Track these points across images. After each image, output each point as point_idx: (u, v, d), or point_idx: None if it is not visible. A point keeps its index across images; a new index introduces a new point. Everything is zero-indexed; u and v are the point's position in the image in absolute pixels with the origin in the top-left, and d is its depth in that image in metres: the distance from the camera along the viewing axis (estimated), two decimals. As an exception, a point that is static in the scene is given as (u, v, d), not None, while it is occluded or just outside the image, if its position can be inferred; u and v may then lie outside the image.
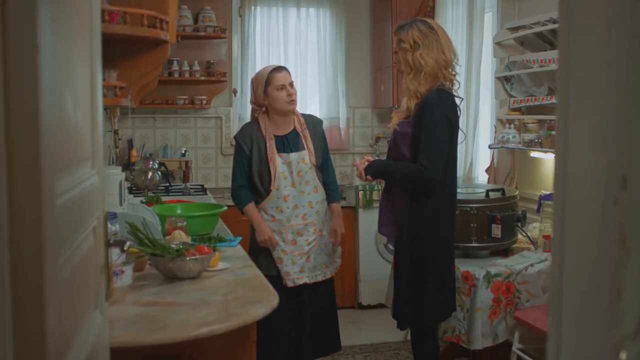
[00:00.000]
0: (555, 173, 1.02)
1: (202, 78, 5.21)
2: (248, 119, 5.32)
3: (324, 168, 3.41)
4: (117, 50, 2.61)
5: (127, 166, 2.85)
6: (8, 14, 0.99)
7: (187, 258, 2.39)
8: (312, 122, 3.41)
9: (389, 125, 2.93)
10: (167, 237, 2.74)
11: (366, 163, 3.00)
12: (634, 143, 0.84)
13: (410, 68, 2.83)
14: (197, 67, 5.22)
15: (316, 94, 5.63)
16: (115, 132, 4.65)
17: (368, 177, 3.00)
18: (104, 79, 2.33)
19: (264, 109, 3.34)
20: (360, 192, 5.05)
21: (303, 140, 3.33)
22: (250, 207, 3.31)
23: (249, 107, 5.32)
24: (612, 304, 0.88)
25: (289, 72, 3.34)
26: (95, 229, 1.57)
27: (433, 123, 2.76)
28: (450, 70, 2.86)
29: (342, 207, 3.56)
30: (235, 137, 3.44)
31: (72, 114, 1.36)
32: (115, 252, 2.17)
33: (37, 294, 1.04)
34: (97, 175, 1.60)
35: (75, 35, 1.41)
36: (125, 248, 1.65)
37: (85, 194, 1.42)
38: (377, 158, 3.04)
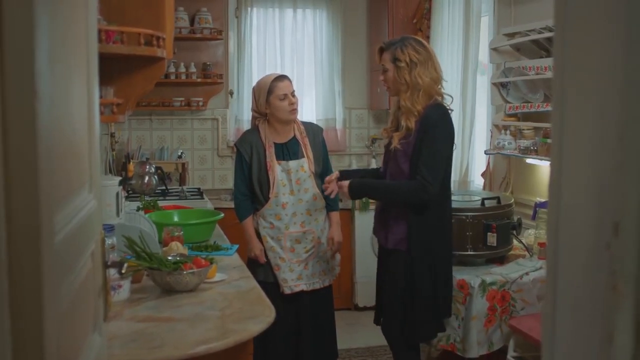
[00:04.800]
0: (548, 218, 1.03)
1: (199, 80, 5.21)
2: (244, 120, 5.38)
3: (323, 176, 3.43)
4: (113, 67, 2.61)
5: (124, 180, 2.86)
6: (6, 57, 0.99)
7: (185, 272, 2.40)
8: (313, 130, 3.44)
9: (391, 146, 2.91)
10: (164, 249, 2.75)
11: (335, 187, 3.02)
12: (627, 190, 0.86)
13: (407, 86, 2.85)
14: (193, 69, 5.21)
15: (312, 95, 5.63)
16: (112, 135, 4.65)
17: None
18: (100, 97, 2.33)
19: (265, 116, 3.35)
20: (357, 195, 5.06)
21: (303, 148, 3.35)
22: (247, 222, 3.35)
23: (246, 109, 5.38)
24: (604, 348, 0.89)
25: (290, 81, 3.36)
26: (94, 252, 1.57)
27: (437, 139, 2.80)
28: (440, 85, 2.93)
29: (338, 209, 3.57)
30: (235, 145, 3.46)
31: (69, 144, 1.36)
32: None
33: (36, 332, 1.05)
34: (94, 198, 1.60)
35: (72, 58, 1.41)
36: (123, 270, 1.66)
37: (83, 222, 1.43)
38: (344, 170, 3.10)
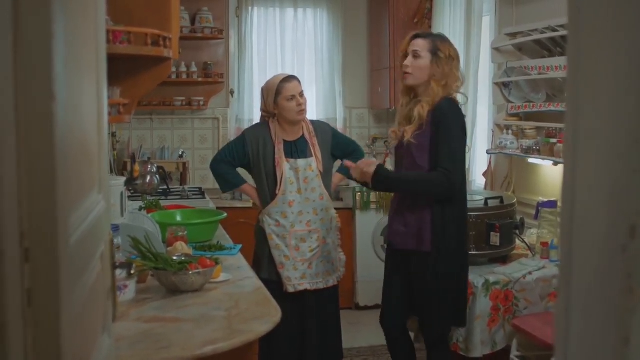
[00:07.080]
0: (562, 219, 1.03)
1: (200, 79, 5.21)
2: (245, 120, 5.39)
3: (350, 151, 3.49)
4: (120, 67, 2.61)
5: (129, 181, 2.86)
6: (24, 60, 0.99)
7: (190, 272, 2.40)
8: (321, 129, 3.45)
9: (404, 139, 2.86)
10: (168, 249, 2.75)
11: (372, 167, 2.88)
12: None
13: (442, 76, 2.87)
14: (194, 68, 5.21)
15: (313, 94, 5.63)
16: (113, 135, 4.65)
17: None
18: (108, 97, 2.33)
19: (274, 116, 3.36)
20: (358, 194, 5.07)
21: (311, 148, 3.36)
22: (248, 185, 3.46)
23: (247, 109, 5.39)
24: (619, 352, 0.89)
25: (299, 82, 3.37)
26: (103, 253, 1.58)
27: (451, 129, 2.80)
28: (459, 84, 2.96)
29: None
30: (244, 132, 3.50)
31: (81, 145, 1.36)
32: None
33: (54, 337, 1.05)
34: (104, 199, 1.61)
35: (83, 59, 1.41)
36: (132, 271, 1.66)
37: (94, 223, 1.43)
38: (379, 163, 2.96)
